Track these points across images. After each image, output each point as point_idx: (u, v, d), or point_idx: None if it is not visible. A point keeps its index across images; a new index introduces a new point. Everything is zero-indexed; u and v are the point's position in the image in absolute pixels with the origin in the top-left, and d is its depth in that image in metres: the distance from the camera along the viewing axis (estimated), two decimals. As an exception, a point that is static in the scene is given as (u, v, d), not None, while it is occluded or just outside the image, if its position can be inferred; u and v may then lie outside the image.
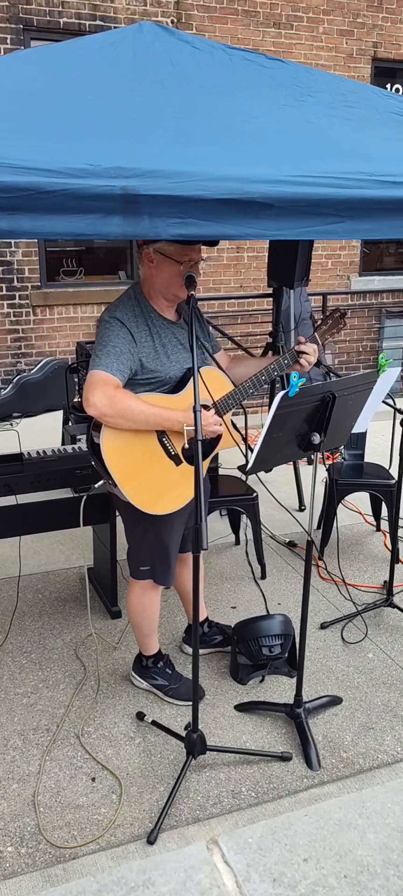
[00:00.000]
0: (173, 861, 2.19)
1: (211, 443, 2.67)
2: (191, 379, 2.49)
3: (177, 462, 2.54)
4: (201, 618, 3.21)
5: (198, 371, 2.54)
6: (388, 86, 7.73)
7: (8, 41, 6.19)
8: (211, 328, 2.95)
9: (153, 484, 2.50)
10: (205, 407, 2.56)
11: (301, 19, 7.09)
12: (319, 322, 2.82)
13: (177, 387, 2.56)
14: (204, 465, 2.70)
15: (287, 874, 2.14)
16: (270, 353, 4.62)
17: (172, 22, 6.63)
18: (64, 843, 2.27)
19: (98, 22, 6.39)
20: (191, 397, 2.46)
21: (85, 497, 2.84)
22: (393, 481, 3.95)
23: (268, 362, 2.70)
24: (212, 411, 2.56)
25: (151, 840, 2.26)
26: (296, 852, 2.22)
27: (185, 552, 2.91)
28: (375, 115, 2.71)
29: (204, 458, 2.66)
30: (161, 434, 2.50)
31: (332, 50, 7.28)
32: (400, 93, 7.80)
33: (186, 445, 2.51)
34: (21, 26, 6.20)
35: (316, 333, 2.76)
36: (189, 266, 2.45)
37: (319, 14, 7.14)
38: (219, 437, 2.68)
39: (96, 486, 2.87)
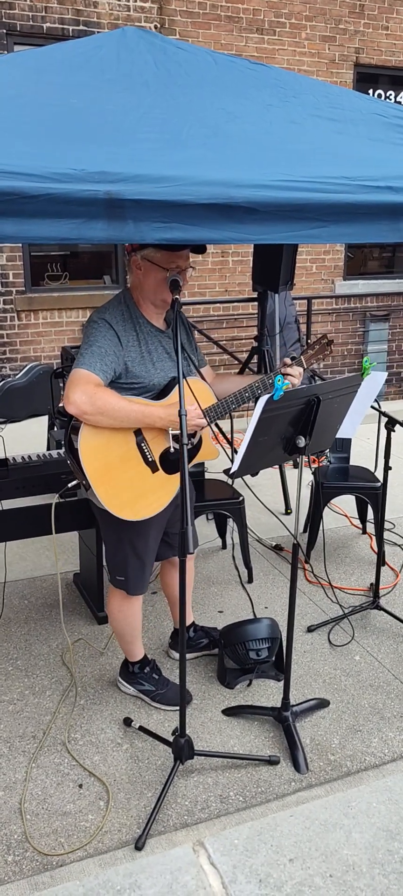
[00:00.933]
0: (159, 864, 2.18)
1: (191, 452, 2.67)
2: (175, 387, 2.50)
3: (154, 469, 2.54)
4: (187, 622, 3.21)
5: (186, 378, 2.55)
6: (370, 91, 7.80)
7: (-9, 45, 6.16)
8: (196, 334, 2.95)
9: (126, 488, 2.49)
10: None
11: (283, 25, 7.13)
12: (306, 347, 2.86)
13: (160, 395, 2.56)
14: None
15: (273, 875, 2.15)
16: (254, 358, 4.63)
17: (155, 27, 6.64)
18: (51, 851, 2.25)
19: (81, 27, 6.39)
20: (173, 401, 2.46)
21: (53, 503, 2.82)
22: (379, 484, 3.98)
23: (253, 380, 2.71)
24: (195, 405, 2.54)
25: (139, 846, 2.24)
26: (282, 853, 2.22)
27: (174, 557, 2.90)
28: (358, 118, 2.74)
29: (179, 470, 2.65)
30: (139, 439, 2.50)
31: (315, 55, 7.33)
32: (382, 98, 7.88)
33: (171, 449, 2.51)
34: (4, 31, 6.18)
35: (302, 357, 2.79)
36: (176, 273, 2.46)
37: (302, 20, 7.19)
38: (199, 445, 2.68)
39: (69, 486, 2.85)
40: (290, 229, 2.11)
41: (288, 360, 2.73)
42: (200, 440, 2.71)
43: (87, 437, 2.41)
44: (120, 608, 2.78)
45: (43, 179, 1.83)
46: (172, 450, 2.52)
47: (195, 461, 2.73)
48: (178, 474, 2.64)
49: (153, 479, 2.53)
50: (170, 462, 2.56)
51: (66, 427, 2.55)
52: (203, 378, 2.71)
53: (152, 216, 1.94)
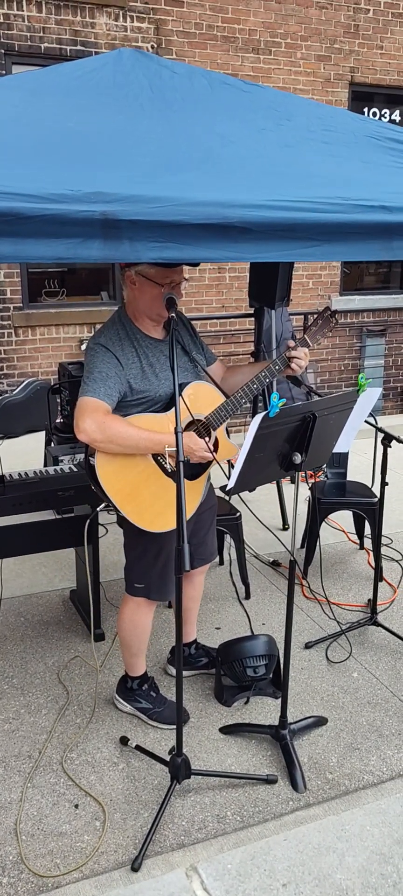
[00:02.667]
0: (152, 889, 2.16)
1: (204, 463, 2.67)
2: (181, 396, 2.51)
3: (175, 479, 2.54)
4: (190, 639, 3.20)
5: (188, 386, 2.56)
6: (365, 110, 7.87)
7: (-11, 65, 6.22)
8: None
9: (152, 502, 2.51)
10: (198, 421, 2.57)
11: (279, 45, 7.21)
12: (309, 323, 2.75)
13: (168, 405, 2.57)
14: (202, 480, 2.70)
15: (269, 899, 2.13)
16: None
17: (152, 47, 6.70)
18: (47, 872, 2.23)
19: (79, 47, 6.45)
20: (181, 415, 2.46)
21: (89, 518, 2.84)
22: (376, 499, 3.98)
23: (259, 369, 2.70)
24: (206, 438, 2.56)
25: (135, 867, 2.23)
26: (275, 877, 2.20)
27: (200, 564, 2.92)
28: (352, 139, 2.76)
29: (199, 475, 2.66)
30: (155, 453, 2.51)
31: (310, 75, 7.40)
32: (377, 117, 7.95)
33: (168, 468, 2.51)
34: (2, 51, 6.24)
35: (306, 336, 2.73)
36: (170, 287, 2.47)
37: (297, 40, 7.27)
38: (216, 448, 2.68)
39: (98, 509, 2.88)
40: (284, 248, 2.13)
41: (291, 343, 2.69)
42: (216, 442, 2.70)
43: (104, 462, 2.45)
44: (131, 617, 2.78)
45: (39, 200, 1.84)
46: (169, 469, 2.52)
47: (216, 461, 2.71)
48: (201, 479, 2.66)
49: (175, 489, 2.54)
50: (189, 469, 2.57)
51: (84, 454, 2.58)
52: (211, 379, 2.70)
53: (148, 236, 1.96)
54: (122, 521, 2.66)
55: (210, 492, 2.88)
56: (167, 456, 2.47)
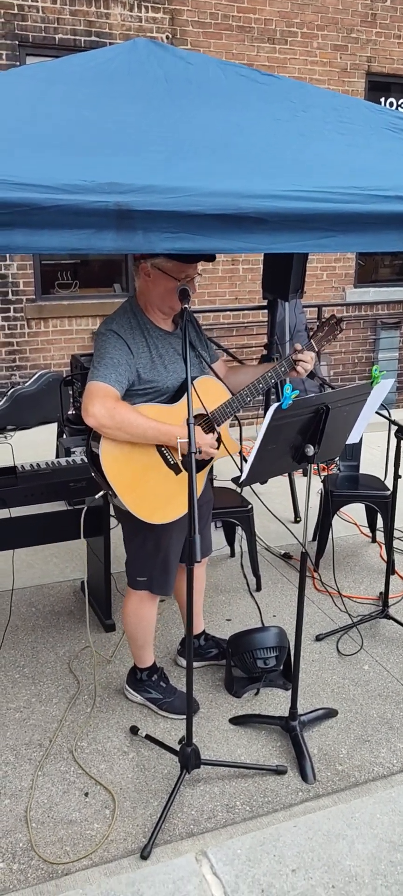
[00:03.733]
0: (162, 873, 2.18)
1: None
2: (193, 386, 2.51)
3: (177, 471, 2.55)
4: (198, 630, 3.21)
5: (196, 380, 2.56)
6: (382, 100, 7.79)
7: (3, 57, 6.22)
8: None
9: (153, 494, 2.51)
10: (201, 416, 2.57)
11: (295, 35, 7.15)
12: (315, 329, 2.81)
13: (175, 396, 2.57)
14: (203, 474, 2.70)
15: (275, 885, 2.14)
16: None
17: (167, 38, 6.68)
18: (56, 859, 2.25)
19: (93, 38, 6.44)
20: (193, 406, 2.46)
21: (85, 509, 2.84)
22: (389, 492, 3.96)
23: (265, 370, 2.70)
24: (211, 434, 2.55)
25: (145, 855, 2.24)
26: (285, 863, 2.21)
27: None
28: (367, 130, 2.74)
29: (201, 469, 2.66)
30: (160, 444, 2.51)
31: (326, 65, 7.34)
32: (394, 107, 7.87)
33: (179, 459, 2.51)
34: (17, 42, 6.24)
35: (312, 340, 2.76)
36: (185, 282, 2.47)
37: (313, 29, 7.21)
38: (219, 443, 2.68)
39: (96, 496, 2.87)
40: (299, 239, 2.11)
41: (298, 346, 2.71)
42: (219, 437, 2.70)
43: (109, 449, 2.44)
44: (135, 611, 2.78)
45: (53, 191, 1.84)
46: (180, 459, 2.52)
47: (216, 458, 2.72)
48: (201, 474, 2.66)
49: (177, 481, 2.54)
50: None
51: (86, 440, 2.57)
52: (217, 375, 2.70)
53: (162, 226, 1.95)
54: (120, 514, 2.66)
55: (207, 486, 2.88)
56: (178, 447, 2.47)
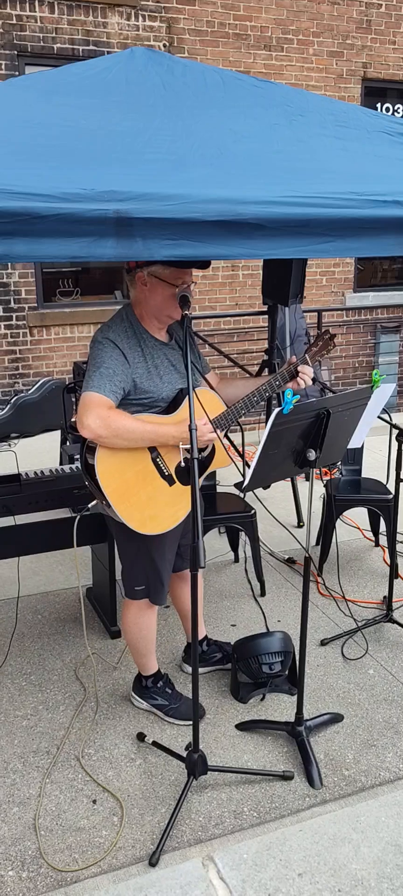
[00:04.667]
0: (169, 878, 2.18)
1: (204, 463, 2.68)
2: (185, 399, 2.51)
3: (170, 482, 2.55)
4: (200, 636, 3.21)
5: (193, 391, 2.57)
6: (378, 105, 7.82)
7: (2, 67, 6.26)
8: (207, 347, 2.97)
9: (146, 504, 2.51)
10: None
11: (291, 41, 7.19)
12: (310, 344, 2.86)
13: (169, 408, 2.57)
14: (198, 482, 2.70)
15: (282, 889, 2.14)
16: (265, 371, 4.65)
17: (164, 46, 6.71)
18: (65, 867, 2.25)
19: (91, 47, 6.48)
20: (184, 416, 2.47)
21: (78, 517, 2.84)
22: (391, 496, 3.96)
23: (260, 383, 2.71)
24: (204, 419, 2.55)
25: (153, 862, 2.24)
26: (291, 867, 2.21)
27: (184, 570, 2.91)
28: (364, 135, 2.75)
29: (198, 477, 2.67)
30: (154, 455, 2.51)
31: (322, 71, 7.37)
32: (390, 112, 7.90)
33: (182, 463, 2.52)
34: (15, 52, 6.28)
35: (306, 355, 2.80)
36: (183, 289, 2.48)
37: (309, 36, 7.24)
38: (212, 455, 2.69)
39: (90, 506, 2.87)
40: (298, 244, 2.13)
41: (293, 359, 2.73)
42: (213, 449, 2.72)
43: (103, 458, 2.44)
44: (135, 621, 2.79)
45: (53, 199, 1.85)
46: (183, 464, 2.53)
47: (209, 470, 2.73)
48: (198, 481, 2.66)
49: (170, 492, 2.55)
50: (185, 473, 2.57)
51: (80, 449, 2.58)
52: (210, 386, 2.71)
53: (161, 234, 1.97)
54: (113, 525, 2.66)
55: (200, 495, 2.89)
56: (181, 453, 2.48)
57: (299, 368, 2.70)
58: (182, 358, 2.61)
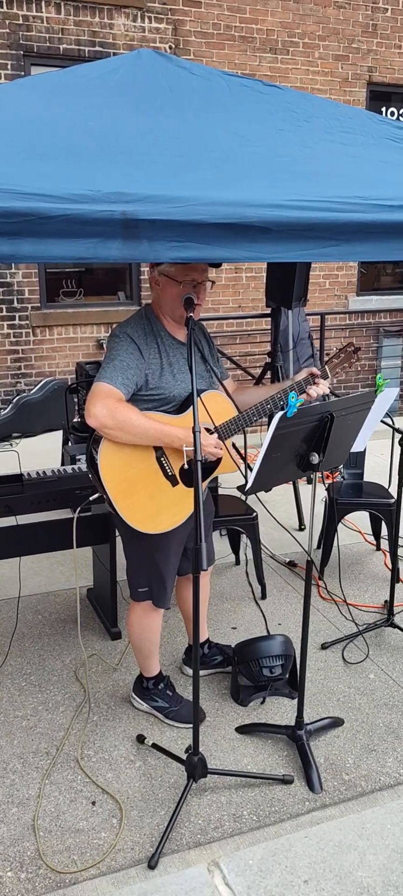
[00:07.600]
0: (174, 883, 2.17)
1: (211, 466, 2.68)
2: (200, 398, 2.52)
3: (174, 483, 2.55)
4: (202, 638, 3.20)
5: (203, 394, 2.57)
6: (383, 109, 7.82)
7: (8, 67, 6.27)
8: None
9: (147, 503, 2.51)
10: (207, 430, 2.57)
11: (296, 45, 7.19)
12: (331, 356, 2.81)
13: (180, 408, 2.57)
14: (203, 486, 2.70)
15: (287, 895, 2.13)
16: (268, 374, 4.65)
17: (170, 48, 6.72)
18: (64, 868, 2.25)
19: (97, 48, 6.48)
20: (200, 418, 2.47)
21: (76, 516, 2.84)
22: (393, 500, 3.96)
23: (275, 391, 2.70)
24: (215, 435, 2.56)
25: (152, 864, 2.24)
26: (297, 874, 2.20)
27: (189, 573, 2.91)
28: (370, 140, 2.75)
29: (202, 480, 2.66)
30: (159, 454, 2.51)
31: (328, 74, 7.37)
32: (395, 116, 7.90)
33: (185, 466, 2.52)
34: (21, 53, 6.28)
35: (326, 367, 2.77)
36: (191, 287, 2.48)
37: (315, 39, 7.24)
38: (219, 460, 2.69)
39: (91, 498, 2.87)
40: (303, 248, 2.13)
41: (315, 371, 2.69)
42: None
43: (107, 453, 2.44)
44: (139, 622, 2.78)
45: (60, 200, 1.86)
46: (186, 466, 2.53)
47: (215, 474, 2.73)
48: (203, 483, 2.66)
49: (173, 493, 2.55)
50: (189, 475, 2.57)
51: (87, 440, 2.58)
52: (226, 391, 2.71)
53: (167, 235, 1.97)
54: (118, 523, 2.65)
55: (207, 497, 2.89)
56: (183, 452, 2.48)
57: (316, 381, 2.68)
58: (198, 360, 2.61)
